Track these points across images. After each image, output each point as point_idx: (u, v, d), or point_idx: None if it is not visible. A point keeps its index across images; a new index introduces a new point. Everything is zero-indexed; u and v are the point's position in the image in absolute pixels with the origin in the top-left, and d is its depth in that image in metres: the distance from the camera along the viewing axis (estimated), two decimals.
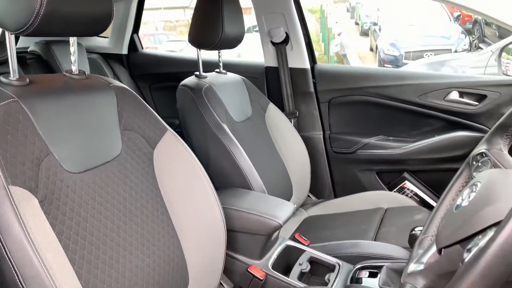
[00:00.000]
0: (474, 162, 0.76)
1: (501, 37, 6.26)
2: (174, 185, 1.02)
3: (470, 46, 7.07)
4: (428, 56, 6.24)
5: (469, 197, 0.59)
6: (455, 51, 6.58)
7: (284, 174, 1.70)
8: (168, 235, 0.98)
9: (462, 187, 0.80)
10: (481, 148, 0.78)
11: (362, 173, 1.91)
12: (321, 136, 1.95)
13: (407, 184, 1.83)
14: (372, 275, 1.12)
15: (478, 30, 7.43)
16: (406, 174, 1.83)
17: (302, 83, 1.90)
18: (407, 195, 1.83)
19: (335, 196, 1.98)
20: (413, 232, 1.05)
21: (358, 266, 1.18)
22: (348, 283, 1.11)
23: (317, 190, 1.98)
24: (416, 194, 1.81)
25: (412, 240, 1.05)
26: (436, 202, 1.76)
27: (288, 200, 1.67)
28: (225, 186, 1.35)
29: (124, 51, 2.42)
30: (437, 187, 1.82)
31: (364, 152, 1.86)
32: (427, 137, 1.76)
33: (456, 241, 0.55)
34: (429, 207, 1.75)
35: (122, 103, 0.98)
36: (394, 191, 1.85)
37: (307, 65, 1.89)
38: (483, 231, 0.52)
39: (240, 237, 1.17)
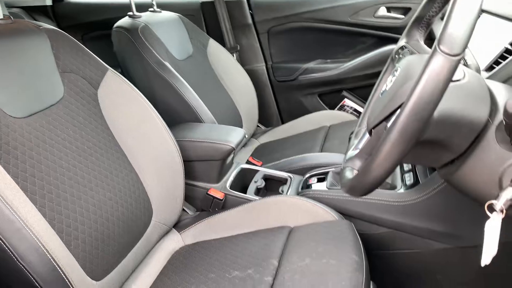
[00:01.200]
0: (396, 56, 0.85)
1: None
2: (124, 124, 1.05)
3: None
4: None
5: (391, 82, 0.68)
6: None
7: (232, 108, 1.76)
8: (126, 170, 1.02)
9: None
10: (401, 42, 0.87)
11: (305, 98, 2.01)
12: (264, 67, 2.01)
13: (347, 101, 1.95)
14: (320, 180, 1.25)
15: None
16: (345, 93, 1.95)
17: (239, 15, 1.91)
18: (347, 112, 1.96)
19: (282, 123, 2.08)
20: (351, 135, 1.17)
21: (307, 175, 1.30)
22: (300, 189, 1.23)
23: (265, 119, 2.06)
24: (355, 110, 1.95)
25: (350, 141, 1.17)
26: None
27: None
28: (175, 122, 1.39)
29: (48, 1, 2.27)
30: None
31: (305, 77, 1.94)
32: (361, 55, 1.86)
33: (381, 119, 0.64)
34: None
35: (57, 45, 0.97)
36: (336, 110, 1.98)
37: None
38: (401, 105, 0.60)
39: (197, 166, 1.23)
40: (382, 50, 1.81)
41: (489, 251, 0.58)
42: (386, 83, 0.71)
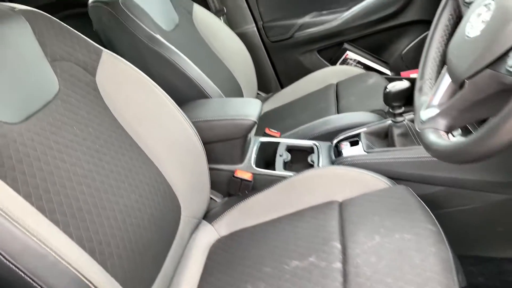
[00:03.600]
0: None
1: None
2: (132, 111, 0.90)
3: None
4: None
5: (482, 20, 0.55)
6: None
7: (230, 77, 1.61)
8: (145, 165, 0.88)
9: (448, 22, 0.77)
10: None
11: (304, 56, 1.87)
12: (255, 28, 1.84)
13: (349, 54, 1.82)
14: (353, 143, 1.14)
15: None
16: (346, 45, 1.81)
17: None
18: (351, 65, 1.84)
19: (282, 87, 1.94)
20: (387, 90, 1.05)
21: (335, 141, 1.18)
22: (333, 157, 1.12)
23: (262, 86, 1.92)
24: (359, 62, 1.83)
25: (389, 97, 1.06)
26: (380, 65, 1.79)
27: None
28: (180, 102, 1.23)
29: None
30: (378, 50, 1.84)
31: (302, 33, 1.79)
32: (360, 1, 1.72)
33: (483, 66, 0.52)
34: (375, 71, 1.79)
35: (39, 29, 0.79)
36: (338, 65, 1.85)
37: None
38: None
39: (217, 147, 1.10)
40: None
41: None
42: (471, 22, 0.58)
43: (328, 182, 0.97)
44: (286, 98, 1.71)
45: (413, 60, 1.81)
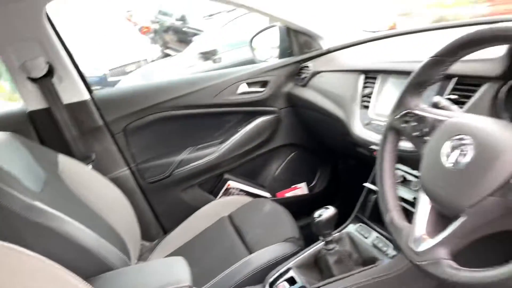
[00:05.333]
0: (403, 125, 0.78)
1: (180, 41, 7.07)
2: None
3: (162, 53, 7.71)
4: (130, 70, 6.45)
5: (465, 152, 0.60)
6: (152, 60, 7.01)
7: (110, 231, 1.37)
8: None
9: (392, 153, 0.80)
10: (398, 111, 0.79)
11: (185, 192, 1.77)
12: (128, 171, 1.68)
13: (231, 183, 1.82)
14: (289, 281, 1.06)
15: (161, 39, 8.12)
16: (226, 175, 1.81)
17: (86, 118, 1.56)
18: (234, 194, 1.82)
19: (164, 231, 1.77)
20: (317, 219, 1.04)
21: (269, 281, 1.08)
22: None
23: (145, 233, 1.70)
24: (242, 190, 1.83)
25: (320, 226, 1.04)
26: (259, 189, 1.84)
27: (129, 258, 1.37)
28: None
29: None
30: (254, 175, 1.90)
31: (181, 170, 1.72)
32: (231, 134, 1.79)
33: (485, 195, 0.56)
34: (257, 196, 1.81)
35: None
36: (221, 195, 1.81)
37: (86, 96, 1.55)
38: None
39: None
40: (252, 125, 1.78)
41: None
42: (448, 154, 0.63)
43: None
44: (177, 242, 1.54)
45: (285, 179, 1.93)
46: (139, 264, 1.06)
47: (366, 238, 1.13)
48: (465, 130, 0.62)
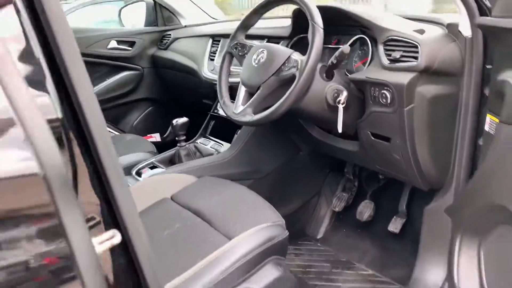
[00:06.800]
0: (235, 49, 1.28)
1: None
2: None
3: None
4: None
5: (262, 57, 1.13)
6: None
7: None
8: None
9: (227, 67, 1.31)
10: (232, 42, 1.30)
11: None
12: None
13: None
14: (152, 168, 1.48)
15: None
16: None
17: None
18: None
19: None
20: (175, 124, 1.49)
21: (134, 171, 1.48)
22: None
23: None
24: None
25: (177, 129, 1.49)
26: (120, 133, 2.18)
27: None
28: None
29: None
30: (117, 121, 2.23)
31: None
32: (100, 81, 2.09)
33: (272, 73, 1.10)
34: None
35: None
36: None
37: None
38: (287, 60, 1.09)
39: None
40: (118, 76, 2.13)
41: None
42: (254, 59, 1.16)
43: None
44: None
45: (143, 128, 2.31)
46: None
47: (206, 145, 1.64)
48: (263, 47, 1.18)
